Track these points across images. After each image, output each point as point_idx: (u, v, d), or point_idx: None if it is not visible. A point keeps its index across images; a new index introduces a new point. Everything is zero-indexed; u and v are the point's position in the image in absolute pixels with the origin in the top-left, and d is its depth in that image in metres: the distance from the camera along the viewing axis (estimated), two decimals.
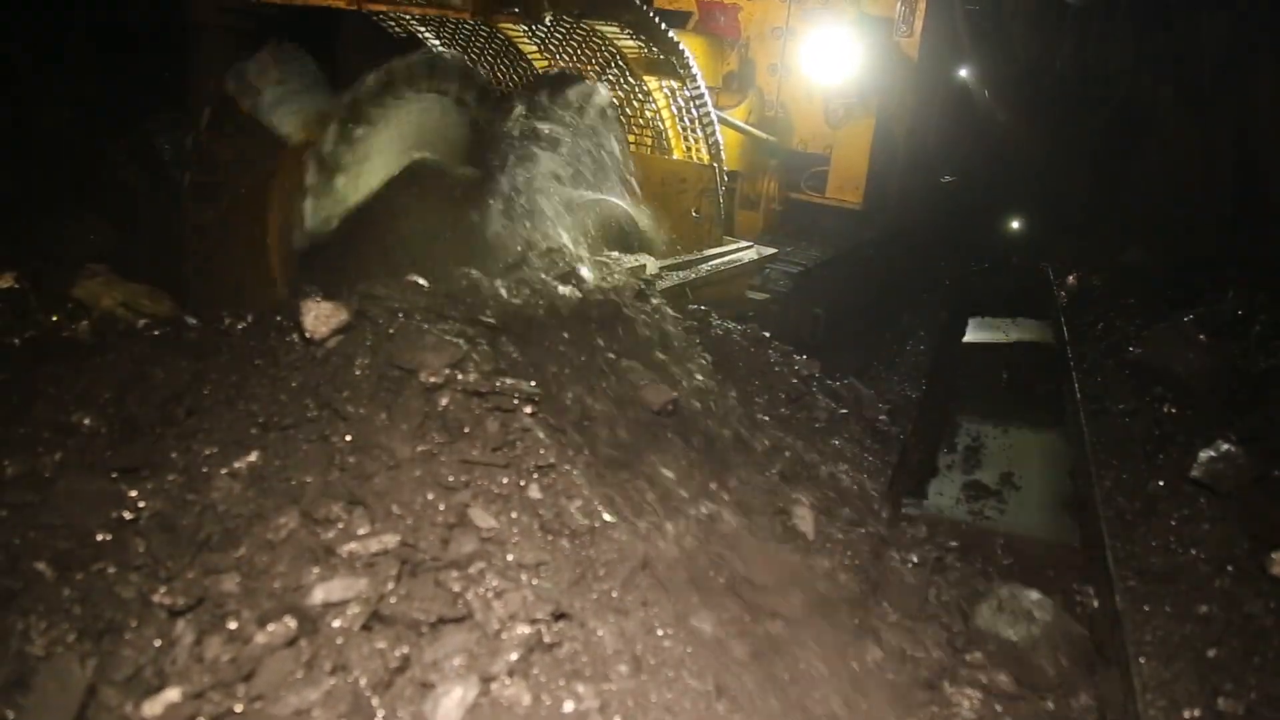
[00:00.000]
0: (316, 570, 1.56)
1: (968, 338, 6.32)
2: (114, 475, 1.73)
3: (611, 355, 2.37)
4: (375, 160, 3.19)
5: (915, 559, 2.51)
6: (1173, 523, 2.81)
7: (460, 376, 1.97)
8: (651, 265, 3.26)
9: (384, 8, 3.17)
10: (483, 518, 1.72)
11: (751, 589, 1.98)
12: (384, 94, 3.11)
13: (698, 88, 4.01)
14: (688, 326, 2.90)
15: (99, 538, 1.62)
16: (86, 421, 1.86)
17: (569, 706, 1.50)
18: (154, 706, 1.37)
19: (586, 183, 3.52)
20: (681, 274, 3.51)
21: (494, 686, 1.48)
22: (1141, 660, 2.28)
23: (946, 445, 4.50)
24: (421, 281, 2.38)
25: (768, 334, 3.23)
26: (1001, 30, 8.23)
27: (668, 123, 4.27)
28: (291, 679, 1.41)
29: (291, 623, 1.47)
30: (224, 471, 1.74)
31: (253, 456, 1.76)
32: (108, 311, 2.89)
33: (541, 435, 1.93)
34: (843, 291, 5.33)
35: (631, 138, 4.31)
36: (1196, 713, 2.10)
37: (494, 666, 1.49)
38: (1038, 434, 4.72)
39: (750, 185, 5.83)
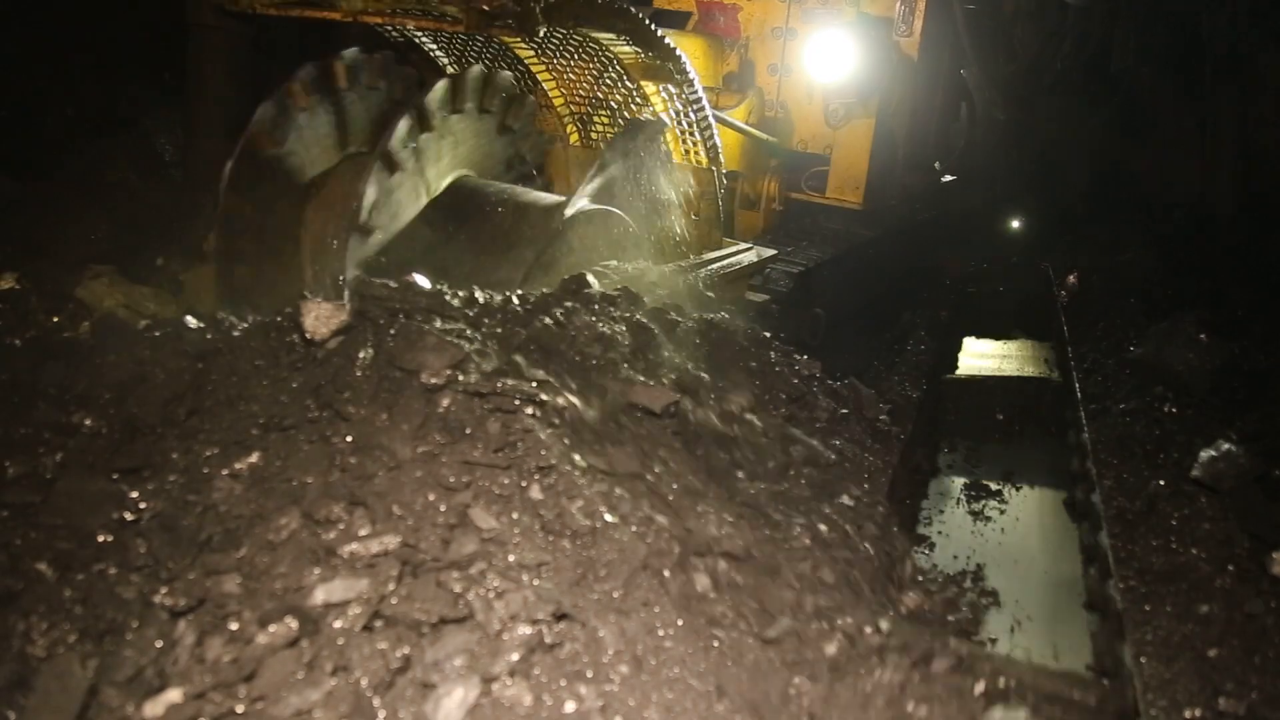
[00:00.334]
0: (317, 571, 1.56)
1: (959, 371, 5.44)
2: (115, 476, 1.73)
3: (612, 359, 2.37)
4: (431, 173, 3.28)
5: None
6: (1173, 522, 2.81)
7: (461, 377, 1.97)
8: (651, 273, 3.27)
9: (380, 21, 3.19)
10: (484, 518, 1.72)
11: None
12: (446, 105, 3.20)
13: (695, 92, 4.01)
14: (687, 328, 2.90)
15: (100, 538, 1.62)
16: (87, 422, 1.86)
17: (570, 707, 1.50)
18: (155, 707, 1.37)
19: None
20: (682, 279, 3.51)
21: (495, 687, 1.48)
22: (1142, 660, 2.29)
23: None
24: (422, 282, 2.38)
25: (768, 334, 3.23)
26: (1002, 30, 8.23)
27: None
28: (293, 679, 1.41)
29: (293, 623, 1.47)
30: (225, 472, 1.74)
31: (253, 457, 1.77)
32: (109, 312, 2.90)
33: (543, 436, 1.93)
34: (843, 291, 5.33)
35: None
36: (1198, 712, 2.11)
37: (495, 667, 1.49)
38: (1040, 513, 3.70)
39: (750, 185, 5.83)
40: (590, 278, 2.71)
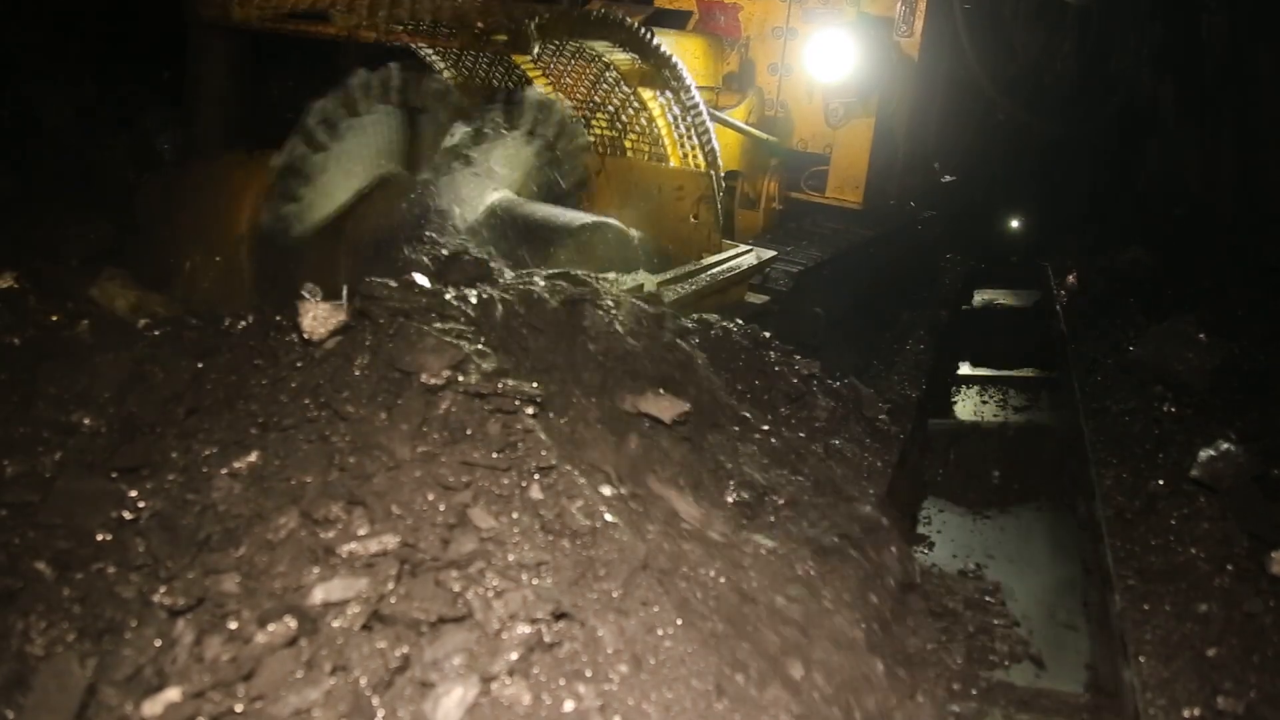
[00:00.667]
0: (316, 570, 1.56)
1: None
2: (114, 475, 1.73)
3: (613, 365, 2.37)
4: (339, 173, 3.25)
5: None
6: (1172, 521, 2.81)
7: (461, 378, 1.97)
8: (649, 282, 3.27)
9: (374, 37, 3.20)
10: (483, 518, 1.72)
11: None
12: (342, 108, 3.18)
13: (692, 98, 4.01)
14: (687, 329, 2.90)
15: (99, 537, 1.62)
16: (86, 421, 1.86)
17: (569, 706, 1.50)
18: (154, 706, 1.38)
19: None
20: (680, 287, 3.51)
21: (494, 686, 1.48)
22: (1141, 659, 2.29)
23: None
24: (423, 282, 2.38)
25: (767, 334, 3.23)
26: (1002, 30, 8.23)
27: (664, 131, 4.27)
28: (292, 679, 1.41)
29: (291, 623, 1.47)
30: (224, 471, 1.74)
31: (253, 456, 1.77)
32: (109, 311, 2.89)
33: (543, 437, 1.93)
34: (843, 291, 5.33)
35: (628, 144, 4.32)
36: (1196, 711, 2.11)
37: (494, 666, 1.49)
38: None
39: (750, 185, 5.83)
40: (593, 281, 2.71)
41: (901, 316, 6.26)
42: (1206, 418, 3.64)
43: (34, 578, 1.55)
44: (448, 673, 1.46)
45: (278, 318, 2.10)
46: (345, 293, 2.10)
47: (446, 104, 3.52)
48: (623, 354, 2.42)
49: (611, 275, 3.26)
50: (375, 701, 1.42)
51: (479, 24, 2.89)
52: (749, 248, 4.31)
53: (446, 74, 4.35)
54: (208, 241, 3.22)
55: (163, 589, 1.53)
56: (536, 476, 1.85)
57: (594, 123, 4.36)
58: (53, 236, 4.06)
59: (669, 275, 3.57)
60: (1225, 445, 2.91)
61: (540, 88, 4.26)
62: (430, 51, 4.28)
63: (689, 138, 4.22)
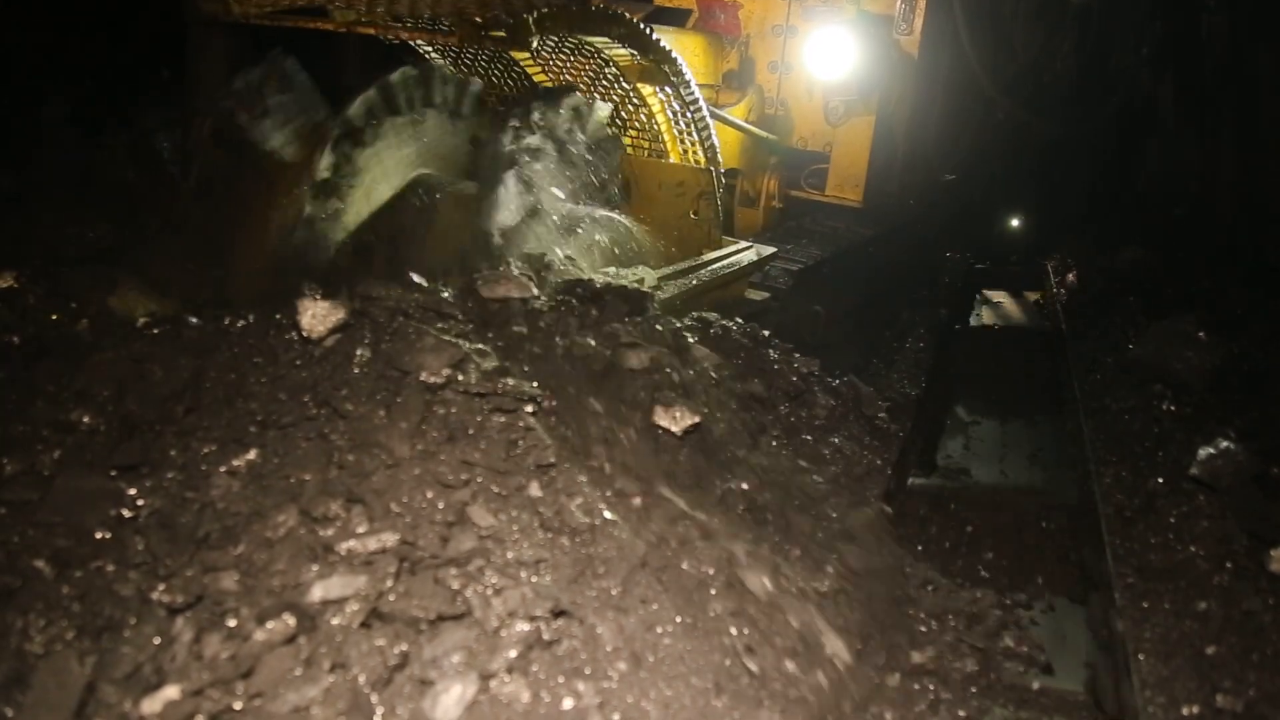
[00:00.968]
0: (315, 568, 1.56)
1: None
2: (113, 473, 1.73)
3: (614, 368, 2.37)
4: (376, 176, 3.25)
5: None
6: (1171, 520, 2.81)
7: (460, 377, 1.97)
8: (650, 278, 3.27)
9: (373, 32, 3.20)
10: (482, 516, 1.72)
11: None
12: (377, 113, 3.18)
13: (692, 94, 4.01)
14: (686, 328, 2.90)
15: (98, 535, 1.62)
16: (85, 419, 1.86)
17: (569, 703, 1.50)
18: (153, 704, 1.38)
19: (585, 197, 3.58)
20: (680, 283, 3.51)
21: (493, 683, 1.48)
22: (1140, 657, 2.29)
23: None
24: (421, 282, 2.38)
25: (767, 332, 3.23)
26: (1002, 28, 8.22)
27: (663, 127, 4.27)
28: (290, 676, 1.42)
29: (290, 620, 1.47)
30: (223, 469, 1.74)
31: (251, 454, 1.77)
32: (108, 310, 2.89)
33: (543, 435, 1.93)
34: (843, 289, 5.33)
35: (628, 140, 4.31)
36: (1195, 709, 2.11)
37: (493, 663, 1.49)
38: None
39: (750, 183, 5.83)
40: (595, 282, 2.71)
41: (901, 315, 6.26)
42: (1206, 416, 3.63)
43: (33, 576, 1.55)
44: (447, 670, 1.46)
45: (277, 316, 2.10)
46: (345, 291, 2.11)
47: (482, 107, 3.57)
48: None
49: (612, 270, 3.26)
50: (374, 699, 1.42)
51: (477, 19, 2.89)
52: (749, 244, 4.31)
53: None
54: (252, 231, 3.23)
55: (162, 587, 1.53)
56: (536, 474, 1.85)
57: None
58: (52, 236, 4.06)
59: (669, 270, 3.57)
60: (1224, 443, 2.91)
61: (540, 83, 4.26)
62: (430, 49, 4.28)
63: (689, 134, 4.22)
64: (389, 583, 1.56)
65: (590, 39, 3.67)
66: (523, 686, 1.48)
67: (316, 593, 1.52)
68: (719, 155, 4.24)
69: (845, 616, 2.09)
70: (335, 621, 1.49)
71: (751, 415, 2.66)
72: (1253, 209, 6.89)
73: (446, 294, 2.34)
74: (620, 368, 2.31)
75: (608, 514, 1.84)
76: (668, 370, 2.37)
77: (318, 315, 2.00)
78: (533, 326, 2.35)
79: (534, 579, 1.64)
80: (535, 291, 2.44)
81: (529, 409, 1.97)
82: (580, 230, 3.35)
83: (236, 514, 1.66)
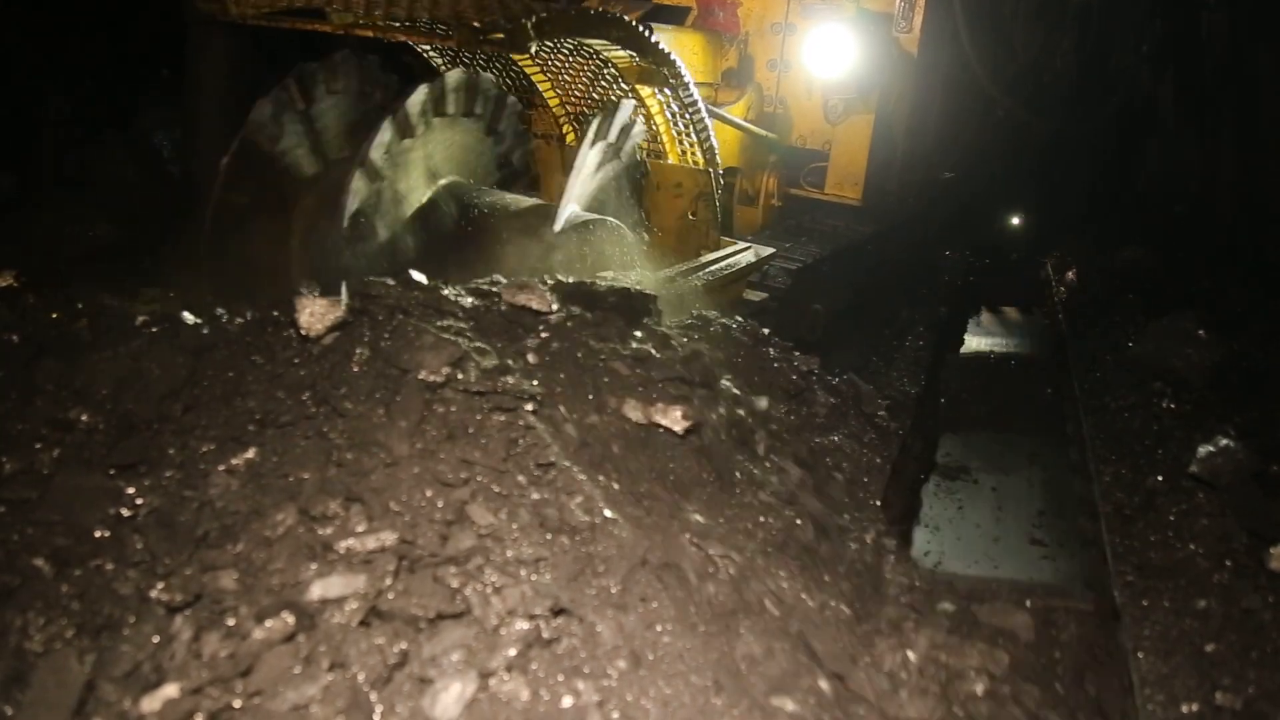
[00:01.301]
0: (314, 566, 1.56)
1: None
2: (112, 472, 1.73)
3: (614, 368, 2.37)
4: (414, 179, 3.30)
5: None
6: (1171, 518, 2.81)
7: (460, 376, 1.97)
8: (649, 281, 3.27)
9: (371, 35, 3.21)
10: (482, 514, 1.72)
11: None
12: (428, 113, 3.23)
13: (690, 95, 4.01)
14: (686, 327, 2.90)
15: (97, 534, 1.62)
16: (84, 418, 1.86)
17: (568, 702, 1.50)
18: (152, 702, 1.38)
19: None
20: (680, 284, 3.52)
21: (492, 682, 1.48)
22: (1140, 655, 2.29)
23: None
24: (421, 280, 2.38)
25: (766, 331, 3.23)
26: (1002, 27, 8.22)
27: (662, 127, 4.27)
28: (289, 675, 1.41)
29: (289, 619, 1.47)
30: (221, 468, 1.74)
31: (250, 453, 1.77)
32: (107, 310, 2.89)
33: (544, 434, 1.93)
34: (842, 287, 5.33)
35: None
36: (1195, 707, 2.11)
37: (492, 662, 1.49)
38: None
39: (749, 181, 5.83)
40: (597, 285, 2.71)
41: (901, 313, 6.26)
42: (1205, 414, 3.63)
43: (32, 574, 1.55)
44: (446, 669, 1.46)
45: (275, 314, 2.10)
46: (344, 289, 2.10)
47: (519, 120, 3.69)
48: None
49: (609, 273, 3.26)
50: (373, 697, 1.42)
51: (476, 22, 2.89)
52: (747, 245, 4.30)
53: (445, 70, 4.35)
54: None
55: (161, 585, 1.53)
56: (536, 473, 1.85)
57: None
58: (52, 236, 4.06)
59: (668, 273, 3.58)
60: (1224, 441, 2.91)
61: (539, 84, 4.25)
62: (429, 49, 4.28)
63: (687, 134, 4.22)
64: (388, 581, 1.56)
65: (589, 41, 3.68)
66: (522, 685, 1.48)
67: (315, 591, 1.52)
68: (717, 156, 4.24)
69: (846, 619, 2.08)
70: (334, 620, 1.49)
71: (751, 415, 2.66)
72: (1253, 209, 6.88)
73: (446, 292, 2.34)
74: (620, 368, 2.31)
75: (608, 512, 1.84)
76: (667, 370, 2.37)
77: (316, 313, 2.00)
78: (537, 328, 2.35)
79: (533, 577, 1.64)
80: (554, 306, 2.44)
81: (529, 407, 1.97)
82: (580, 233, 3.35)
83: (235, 512, 1.66)
